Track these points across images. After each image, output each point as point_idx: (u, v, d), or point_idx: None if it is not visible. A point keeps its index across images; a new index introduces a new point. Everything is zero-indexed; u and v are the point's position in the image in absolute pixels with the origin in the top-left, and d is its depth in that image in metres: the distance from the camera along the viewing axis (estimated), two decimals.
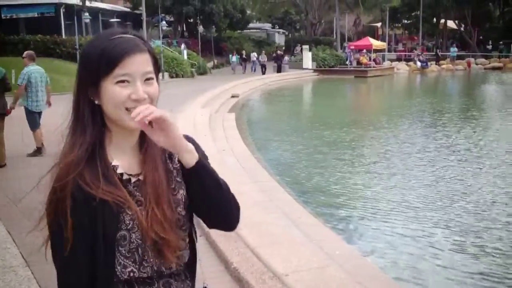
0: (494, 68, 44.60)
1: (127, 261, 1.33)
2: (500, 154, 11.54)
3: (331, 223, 7.10)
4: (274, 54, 40.52)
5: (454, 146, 12.57)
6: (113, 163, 1.35)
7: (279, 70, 38.37)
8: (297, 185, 9.22)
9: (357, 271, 4.43)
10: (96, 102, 1.32)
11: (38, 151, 9.36)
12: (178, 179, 1.42)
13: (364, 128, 15.99)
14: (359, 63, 41.22)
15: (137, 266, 1.34)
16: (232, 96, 22.71)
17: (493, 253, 6.16)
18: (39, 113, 9.54)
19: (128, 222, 1.32)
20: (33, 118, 9.46)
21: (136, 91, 1.29)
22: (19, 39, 30.69)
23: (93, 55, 1.31)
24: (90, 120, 1.34)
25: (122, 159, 1.37)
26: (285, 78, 35.74)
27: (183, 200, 1.41)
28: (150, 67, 1.33)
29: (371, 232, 6.97)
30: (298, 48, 44.05)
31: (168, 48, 36.54)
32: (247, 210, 5.71)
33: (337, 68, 40.61)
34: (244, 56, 40.80)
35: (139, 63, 1.30)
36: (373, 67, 40.68)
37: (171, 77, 30.88)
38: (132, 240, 1.32)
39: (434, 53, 50.17)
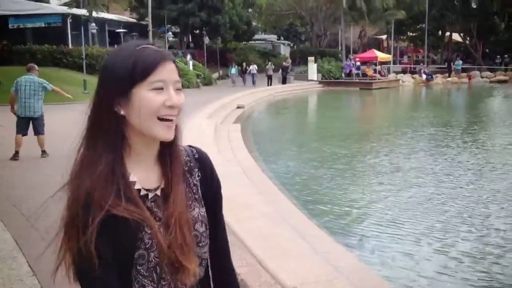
0: (499, 81, 44.53)
1: (146, 280, 1.30)
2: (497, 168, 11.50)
3: (337, 235, 7.07)
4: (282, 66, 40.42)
5: (460, 161, 12.51)
6: (130, 179, 1.31)
7: (284, 81, 38.44)
8: (303, 196, 9.21)
9: (364, 283, 4.40)
10: (122, 112, 1.28)
11: (15, 156, 9.96)
12: (196, 196, 1.41)
13: (370, 140, 15.97)
14: (364, 75, 41.24)
15: (155, 285, 1.31)
16: (238, 107, 22.74)
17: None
18: (31, 119, 10.13)
19: (147, 241, 1.28)
20: (19, 123, 10.07)
21: (171, 98, 1.27)
22: (26, 49, 30.89)
23: (124, 63, 1.27)
24: (114, 133, 1.29)
25: (139, 173, 1.33)
26: (290, 89, 35.80)
27: (200, 218, 1.38)
28: (178, 77, 1.32)
29: (377, 244, 6.93)
30: (289, 61, 43.47)
31: None
32: (254, 222, 5.69)
33: (342, 80, 40.66)
34: (244, 68, 39.73)
35: (171, 71, 1.30)
36: (378, 79, 40.70)
37: None
38: (150, 259, 1.29)
39: (444, 66, 50.23)
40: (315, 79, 40.71)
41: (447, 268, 6.08)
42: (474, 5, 55.17)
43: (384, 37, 62.02)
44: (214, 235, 1.44)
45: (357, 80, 40.64)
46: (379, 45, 59.89)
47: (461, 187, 9.85)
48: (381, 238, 7.14)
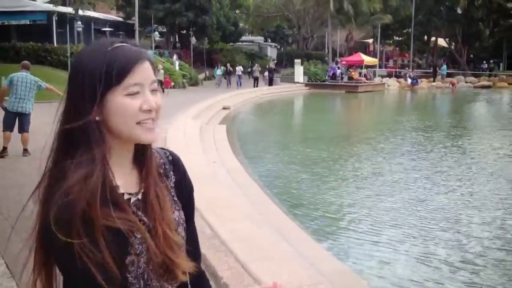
0: (483, 87, 44.98)
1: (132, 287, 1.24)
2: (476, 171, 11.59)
3: (321, 238, 7.06)
4: (267, 67, 40.37)
5: (442, 165, 12.58)
6: (114, 183, 1.23)
7: (270, 83, 38.47)
8: (287, 198, 9.18)
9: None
10: (97, 118, 1.19)
11: (3, 152, 10.03)
12: (175, 198, 1.37)
13: (354, 142, 16.02)
14: (350, 78, 41.41)
15: None
16: (223, 108, 22.69)
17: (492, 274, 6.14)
18: (18, 115, 10.15)
19: (137, 246, 1.22)
20: (7, 118, 10.16)
21: (147, 101, 1.20)
22: (10, 46, 30.56)
23: (96, 66, 1.19)
24: (96, 139, 1.20)
25: (121, 178, 1.26)
26: (276, 91, 35.82)
27: (180, 221, 1.35)
28: (154, 76, 1.26)
29: (361, 248, 6.92)
30: (272, 64, 43.14)
31: (160, 59, 36.53)
32: (238, 224, 5.64)
33: (328, 83, 40.77)
34: (229, 69, 38.91)
35: (147, 71, 1.22)
36: (364, 82, 40.89)
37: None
38: (139, 265, 1.23)
39: (429, 70, 50.66)
40: (302, 81, 40.80)
41: (429, 273, 6.09)
42: (459, 11, 55.75)
43: (370, 41, 62.38)
44: (187, 239, 1.38)
45: (343, 83, 40.78)
46: (365, 49, 60.21)
47: (442, 191, 9.89)
48: (364, 241, 7.12)
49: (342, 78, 41.49)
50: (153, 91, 1.24)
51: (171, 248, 1.25)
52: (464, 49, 58.07)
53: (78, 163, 1.18)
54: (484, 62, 53.81)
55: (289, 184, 10.34)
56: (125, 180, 1.28)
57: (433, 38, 59.84)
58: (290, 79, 41.48)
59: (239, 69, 38.38)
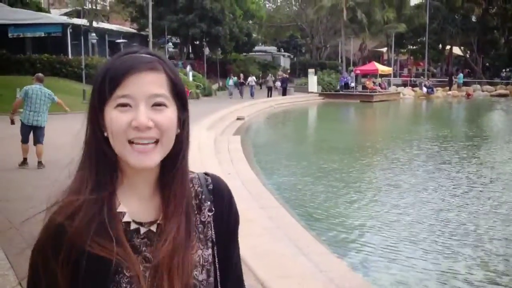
0: (500, 95, 44.49)
1: None
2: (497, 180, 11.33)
3: (338, 252, 6.88)
4: (279, 77, 40.19)
5: (459, 177, 12.32)
6: (119, 209, 1.10)
7: (284, 93, 38.36)
8: (304, 210, 9.03)
9: None
10: (106, 134, 1.08)
11: (24, 162, 10.18)
12: (201, 236, 1.16)
13: (371, 154, 15.80)
14: (364, 87, 41.19)
15: None
16: (238, 119, 22.58)
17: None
18: (33, 128, 10.22)
19: (124, 285, 1.06)
20: (24, 131, 10.19)
21: (137, 117, 1.03)
22: (25, 58, 30.76)
23: (98, 75, 1.09)
24: (100, 156, 1.09)
25: (133, 203, 1.12)
26: (290, 101, 35.70)
27: (201, 262, 1.14)
28: (162, 90, 1.07)
29: (379, 262, 6.74)
30: (280, 73, 42.61)
31: None
32: (256, 239, 5.47)
33: (342, 92, 40.56)
34: (241, 80, 38.13)
35: (145, 83, 1.05)
36: (379, 92, 40.62)
37: None
38: None
39: (444, 79, 50.27)
40: (315, 91, 40.64)
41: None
42: (474, 19, 55.39)
43: (384, 49, 62.13)
44: (224, 283, 1.18)
45: (357, 93, 40.55)
46: (379, 58, 59.98)
47: (459, 204, 9.67)
48: (383, 256, 6.93)
49: (352, 88, 41.23)
50: (157, 105, 1.06)
51: None
52: (479, 57, 57.59)
53: (75, 180, 1.11)
54: (504, 70, 53.06)
55: (305, 196, 10.17)
56: (141, 206, 1.12)
57: (447, 47, 59.48)
58: (303, 89, 41.35)
59: (252, 79, 38.14)
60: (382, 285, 5.94)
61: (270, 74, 40.24)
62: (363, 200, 9.90)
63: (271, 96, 36.72)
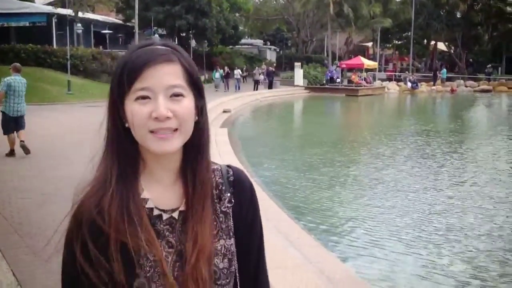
0: (483, 91, 44.98)
1: None
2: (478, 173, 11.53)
3: (327, 244, 6.96)
4: (263, 70, 40.03)
5: (443, 169, 12.50)
6: (142, 196, 1.15)
7: (270, 86, 38.38)
8: (292, 203, 9.12)
9: None
10: (127, 125, 1.13)
11: (11, 153, 10.23)
12: (223, 225, 1.20)
13: (357, 148, 15.94)
14: (350, 81, 41.37)
15: None
16: (224, 111, 22.58)
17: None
18: (16, 119, 10.34)
19: (148, 269, 1.11)
20: (7, 123, 10.32)
21: (157, 108, 1.08)
22: (9, 48, 30.36)
23: (117, 69, 1.13)
24: (122, 146, 1.14)
25: (156, 190, 1.16)
26: (276, 94, 35.74)
27: (223, 251, 1.18)
28: (178, 81, 1.11)
29: (366, 253, 6.85)
30: (264, 67, 42.22)
31: None
32: None
33: (328, 86, 40.70)
34: (226, 72, 37.81)
35: (162, 75, 1.09)
36: (364, 86, 40.83)
37: None
38: None
39: (428, 74, 50.66)
40: (301, 84, 40.72)
41: (437, 279, 6.00)
42: (459, 15, 55.87)
43: (369, 44, 62.38)
44: (246, 273, 1.22)
45: (343, 87, 40.72)
46: (364, 52, 60.20)
47: (444, 197, 9.82)
48: (369, 247, 7.03)
49: (337, 81, 41.38)
50: (175, 96, 1.10)
51: (196, 282, 1.11)
52: (463, 53, 58.13)
53: (98, 170, 1.16)
54: (489, 65, 53.51)
55: (293, 189, 10.25)
56: (164, 194, 1.17)
57: (432, 42, 59.92)
58: (289, 82, 41.42)
59: (238, 72, 38.06)
60: (368, 274, 6.03)
61: (257, 67, 40.18)
62: (349, 194, 10.01)
63: (257, 89, 36.73)
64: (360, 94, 38.33)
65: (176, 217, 1.16)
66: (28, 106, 11.15)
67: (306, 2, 50.02)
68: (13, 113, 10.22)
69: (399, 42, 61.59)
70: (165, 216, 1.15)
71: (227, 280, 1.18)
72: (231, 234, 1.20)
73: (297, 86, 40.48)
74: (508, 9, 57.96)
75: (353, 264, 6.40)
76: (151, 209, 1.15)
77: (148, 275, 1.10)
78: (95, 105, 22.45)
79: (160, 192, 1.17)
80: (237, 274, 1.21)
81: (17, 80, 10.34)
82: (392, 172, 12.00)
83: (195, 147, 1.17)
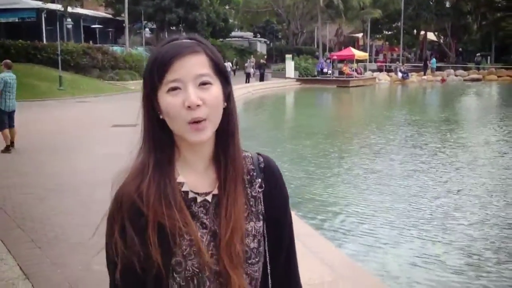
0: (473, 80, 45.26)
1: None
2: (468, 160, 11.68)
3: (323, 232, 7.06)
4: (252, 63, 39.98)
5: (434, 159, 12.65)
6: (178, 180, 1.24)
7: (261, 78, 38.41)
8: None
9: (365, 284, 4.36)
10: (161, 116, 1.21)
11: (7, 149, 10.40)
12: (253, 209, 1.28)
13: (349, 138, 16.05)
14: (341, 73, 41.47)
15: None
16: None
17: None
18: (9, 113, 10.60)
19: (184, 247, 1.19)
20: (3, 119, 10.48)
21: (188, 97, 1.16)
22: None
23: (148, 64, 1.22)
24: (157, 136, 1.23)
25: (190, 175, 1.25)
26: (268, 87, 35.77)
27: (253, 232, 1.26)
28: (205, 70, 1.19)
29: (362, 240, 6.96)
30: (253, 60, 41.84)
31: None
32: None
33: (320, 78, 40.78)
34: None
35: (190, 66, 1.18)
36: (355, 77, 40.95)
37: None
38: (188, 268, 1.20)
39: (419, 64, 50.87)
40: (293, 76, 40.75)
41: (431, 269, 6.12)
42: (448, 5, 56.07)
43: (360, 35, 62.53)
44: (275, 257, 1.31)
45: (334, 78, 40.81)
46: (354, 43, 60.31)
47: (435, 185, 9.96)
48: (366, 234, 7.14)
49: (327, 73, 41.44)
50: (203, 85, 1.19)
51: (230, 258, 1.20)
52: (453, 42, 58.39)
53: (137, 159, 1.25)
54: (478, 54, 53.85)
55: (286, 180, 10.27)
56: (198, 179, 1.26)
57: (422, 32, 60.13)
58: (281, 74, 41.42)
59: (228, 65, 38.00)
60: (365, 261, 6.14)
61: (248, 60, 40.14)
62: (343, 184, 10.11)
63: (248, 82, 36.75)
64: (351, 85, 38.44)
65: (210, 200, 1.24)
66: (20, 103, 11.44)
67: None
68: (8, 108, 10.53)
69: (389, 33, 61.76)
70: (199, 199, 1.24)
71: (257, 259, 1.26)
72: (260, 217, 1.28)
73: (289, 78, 40.49)
74: None
75: (350, 252, 6.49)
76: (187, 192, 1.23)
77: (185, 253, 1.19)
78: (87, 101, 22.44)
79: (195, 177, 1.25)
80: (267, 255, 1.29)
81: (11, 77, 10.64)
82: (385, 161, 12.13)
83: (225, 132, 1.26)
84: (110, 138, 12.15)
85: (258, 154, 1.35)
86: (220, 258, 1.20)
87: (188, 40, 1.23)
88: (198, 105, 1.16)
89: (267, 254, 1.29)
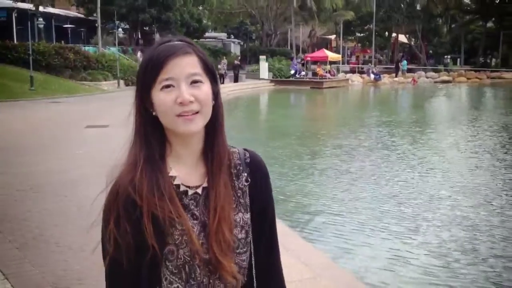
0: (443, 82, 46.10)
1: (174, 277, 1.29)
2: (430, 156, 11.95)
3: (299, 232, 7.14)
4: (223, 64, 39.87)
5: (404, 159, 12.88)
6: (170, 174, 1.32)
7: (236, 79, 38.45)
8: None
9: (342, 281, 4.46)
10: (154, 113, 1.30)
11: None
12: (241, 200, 1.37)
13: (323, 139, 16.21)
14: (315, 74, 41.78)
15: (183, 283, 1.30)
16: None
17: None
18: None
19: (177, 237, 1.28)
20: None
21: (180, 94, 1.25)
22: None
23: (142, 64, 1.31)
24: (149, 132, 1.31)
25: (181, 170, 1.34)
26: (242, 88, 35.83)
27: (241, 223, 1.35)
28: (196, 69, 1.29)
29: (336, 240, 7.06)
30: (223, 62, 41.53)
31: (124, 56, 36.07)
32: None
33: (293, 79, 41.01)
34: None
35: (182, 66, 1.27)
36: (329, 78, 41.31)
37: (127, 84, 30.51)
38: (179, 256, 1.28)
39: (391, 66, 51.57)
40: (267, 77, 40.88)
41: (403, 266, 6.26)
42: (419, 8, 56.96)
43: (332, 37, 63.04)
44: (258, 248, 1.39)
45: (308, 79, 41.09)
46: (327, 45, 60.80)
47: (405, 186, 10.16)
48: (338, 235, 7.25)
49: (300, 74, 41.69)
50: (194, 83, 1.28)
51: (219, 245, 1.28)
52: (423, 44, 59.34)
53: (129, 154, 1.33)
54: (446, 56, 55.03)
55: None
56: (189, 173, 1.34)
57: (394, 34, 60.94)
58: (255, 75, 41.50)
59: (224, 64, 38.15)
60: (340, 260, 6.25)
61: (222, 62, 40.10)
62: (316, 184, 10.22)
63: (223, 83, 36.74)
64: (324, 87, 38.76)
65: (200, 193, 1.33)
66: None
67: None
68: None
69: (361, 35, 62.44)
70: (190, 192, 1.33)
71: (244, 249, 1.35)
72: (248, 209, 1.37)
73: (263, 79, 40.62)
74: (466, 1, 59.48)
75: (324, 251, 6.58)
76: (178, 186, 1.32)
77: (177, 242, 1.28)
78: (59, 101, 22.15)
79: (186, 171, 1.34)
80: (252, 245, 1.37)
81: None
82: (357, 162, 12.30)
83: (213, 128, 1.35)
84: (84, 139, 12.07)
85: (245, 149, 1.44)
86: (210, 246, 1.28)
87: (180, 42, 1.32)
88: (190, 102, 1.26)
89: (251, 244, 1.38)
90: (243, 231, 1.35)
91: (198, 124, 1.28)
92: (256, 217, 1.38)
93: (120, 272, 1.27)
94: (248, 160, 1.41)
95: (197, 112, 1.27)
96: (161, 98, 1.26)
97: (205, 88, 1.29)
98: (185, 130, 1.28)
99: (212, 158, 1.34)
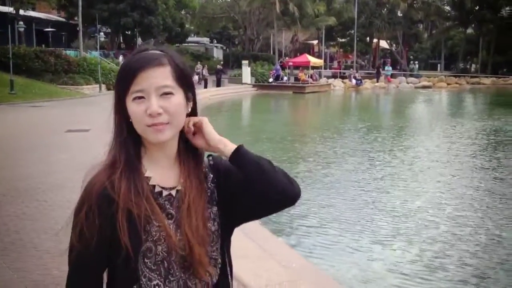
0: (424, 87, 46.63)
1: (153, 274, 1.33)
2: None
3: (280, 235, 7.16)
4: (198, 70, 39.79)
5: (385, 162, 13.01)
6: (146, 175, 1.37)
7: (218, 84, 38.44)
8: None
9: (323, 285, 4.49)
10: (131, 120, 1.35)
11: None
12: (213, 196, 1.46)
13: (304, 143, 16.29)
14: (297, 79, 41.94)
15: (162, 280, 1.34)
16: None
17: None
18: None
19: (154, 233, 1.32)
20: None
21: (150, 106, 1.30)
22: None
23: (118, 73, 1.37)
24: (127, 135, 1.36)
25: (156, 171, 1.39)
26: (225, 92, 35.83)
27: (212, 216, 1.43)
28: (168, 81, 1.32)
29: (317, 243, 7.09)
30: (199, 66, 41.91)
31: (105, 60, 35.86)
32: None
33: (276, 84, 41.13)
34: None
35: (153, 77, 1.31)
36: (311, 83, 41.51)
37: (108, 89, 30.30)
38: (158, 253, 1.33)
39: (372, 71, 52.03)
40: (249, 82, 40.94)
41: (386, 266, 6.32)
42: (400, 14, 57.59)
43: (315, 42, 63.37)
44: (225, 239, 1.47)
45: (290, 84, 41.24)
46: (309, 50, 61.10)
47: (387, 190, 10.25)
48: (320, 237, 7.30)
49: (282, 79, 41.85)
50: (165, 95, 1.32)
51: (196, 242, 1.34)
52: (404, 50, 59.97)
53: (108, 155, 1.38)
54: (412, 62, 56.03)
55: None
56: (164, 175, 1.39)
57: (375, 40, 61.50)
58: (237, 80, 41.54)
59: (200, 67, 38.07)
60: (321, 264, 6.28)
61: (204, 66, 40.06)
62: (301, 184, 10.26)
63: (206, 88, 36.72)
64: (307, 91, 38.94)
65: (174, 194, 1.39)
66: None
67: (252, 0, 50.32)
68: None
69: (343, 40, 62.95)
70: (164, 193, 1.38)
71: (217, 241, 1.42)
72: (215, 203, 1.45)
73: (245, 84, 40.67)
74: (446, 7, 60.27)
75: (305, 255, 6.61)
76: (153, 186, 1.37)
77: (155, 238, 1.32)
78: (40, 105, 21.95)
79: (161, 172, 1.39)
80: (220, 233, 1.44)
81: None
82: (338, 167, 12.35)
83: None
84: (64, 143, 11.97)
85: (208, 155, 1.52)
86: (186, 241, 1.33)
87: (156, 52, 1.36)
88: (159, 114, 1.30)
89: (220, 232, 1.45)
90: (215, 224, 1.43)
91: (167, 135, 1.33)
92: (223, 211, 1.46)
93: (82, 263, 1.33)
94: (211, 163, 1.50)
95: (167, 123, 1.32)
96: (132, 109, 1.32)
97: (176, 100, 1.33)
98: (154, 139, 1.33)
99: (183, 163, 1.41)
